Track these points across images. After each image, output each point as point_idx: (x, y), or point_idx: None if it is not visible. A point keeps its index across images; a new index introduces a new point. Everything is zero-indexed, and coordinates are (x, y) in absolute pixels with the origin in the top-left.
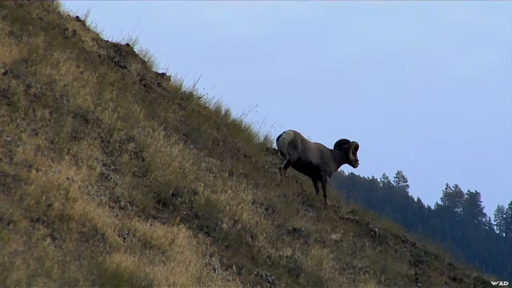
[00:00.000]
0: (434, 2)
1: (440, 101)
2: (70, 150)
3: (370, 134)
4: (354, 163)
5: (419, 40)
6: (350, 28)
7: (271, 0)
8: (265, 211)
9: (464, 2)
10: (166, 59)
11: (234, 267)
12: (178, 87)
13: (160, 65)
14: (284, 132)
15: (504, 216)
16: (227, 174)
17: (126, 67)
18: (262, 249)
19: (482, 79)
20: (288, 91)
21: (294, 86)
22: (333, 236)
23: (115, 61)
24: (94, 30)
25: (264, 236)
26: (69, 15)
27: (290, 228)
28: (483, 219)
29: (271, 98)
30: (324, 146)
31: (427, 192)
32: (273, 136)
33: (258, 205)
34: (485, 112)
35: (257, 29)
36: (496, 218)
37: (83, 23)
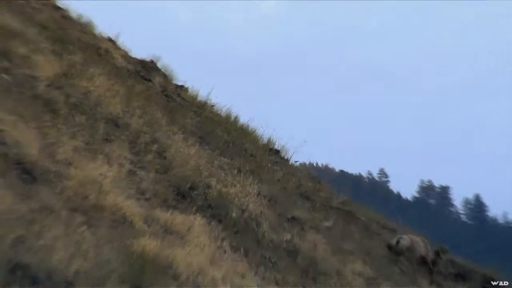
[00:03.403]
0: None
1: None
2: (103, 151)
3: (360, 134)
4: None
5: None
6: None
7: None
8: (268, 202)
9: None
10: (184, 72)
11: (242, 250)
12: (194, 97)
13: (180, 78)
14: (401, 238)
15: (470, 206)
16: (236, 171)
17: (150, 80)
18: (265, 234)
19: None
20: (290, 100)
21: (294, 96)
22: (326, 223)
23: (141, 75)
24: (123, 48)
25: (267, 223)
26: (102, 36)
27: (289, 216)
28: (452, 209)
29: (274, 106)
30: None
31: (405, 186)
32: (275, 139)
33: (262, 197)
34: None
35: (266, 48)
36: (463, 208)
37: (114, 42)
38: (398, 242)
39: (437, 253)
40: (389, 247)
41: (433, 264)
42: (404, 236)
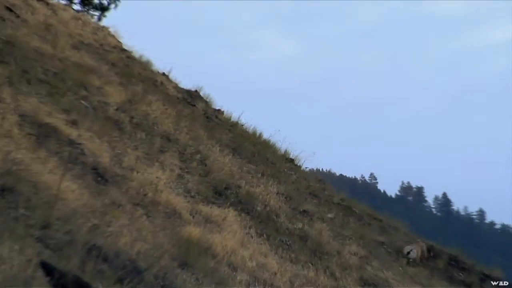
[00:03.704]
0: None
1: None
2: (159, 159)
3: (355, 147)
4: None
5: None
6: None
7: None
8: (284, 199)
9: None
10: (221, 99)
11: (264, 235)
12: (228, 118)
13: (217, 103)
14: (411, 250)
15: (439, 202)
16: (260, 175)
17: (195, 105)
18: (282, 223)
19: None
20: (304, 121)
21: (308, 118)
22: (329, 215)
23: (188, 101)
24: (174, 81)
25: (284, 215)
26: (158, 71)
27: (301, 209)
28: (426, 204)
29: (292, 126)
30: None
31: (390, 186)
32: (290, 150)
33: (280, 195)
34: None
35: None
36: (434, 204)
37: (167, 76)
38: (408, 253)
39: (428, 250)
40: (399, 251)
41: (427, 260)
42: (414, 250)
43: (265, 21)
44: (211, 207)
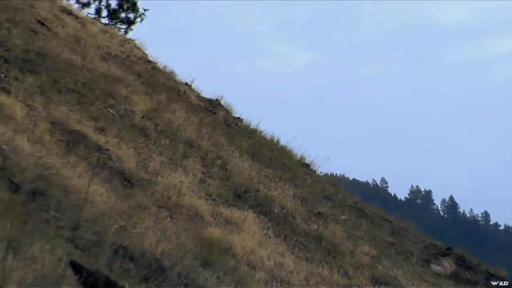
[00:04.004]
0: None
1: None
2: (182, 164)
3: (365, 151)
4: None
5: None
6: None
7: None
8: (300, 202)
9: None
10: (240, 107)
11: (281, 236)
12: (248, 125)
13: (237, 111)
14: (441, 270)
15: (446, 205)
16: (277, 179)
17: (215, 113)
18: (299, 225)
19: None
20: (318, 128)
21: (321, 125)
22: (342, 217)
23: (209, 110)
24: (196, 90)
25: (300, 217)
26: (181, 81)
27: (316, 212)
28: (433, 207)
29: (308, 132)
30: None
31: (400, 190)
32: (306, 156)
33: (297, 198)
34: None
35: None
36: (441, 206)
37: (189, 86)
38: (432, 270)
39: (457, 262)
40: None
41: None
42: (441, 270)
43: (280, 31)
44: (231, 210)
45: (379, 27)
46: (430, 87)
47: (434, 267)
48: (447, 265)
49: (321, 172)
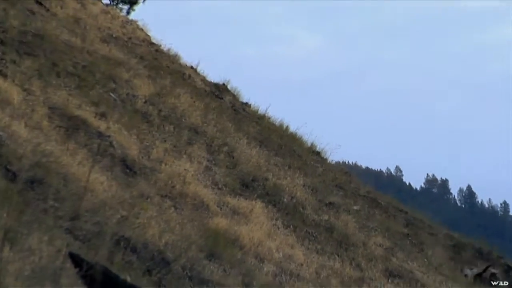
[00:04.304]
0: None
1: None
2: (186, 151)
3: (380, 136)
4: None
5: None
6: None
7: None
8: (311, 191)
9: None
10: (248, 92)
11: (291, 227)
12: (255, 111)
13: (245, 97)
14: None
15: (463, 195)
16: (286, 167)
17: (222, 98)
18: (309, 215)
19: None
20: (330, 113)
21: (332, 111)
22: (355, 207)
23: (215, 95)
24: (202, 74)
25: (311, 207)
26: (186, 65)
27: (327, 201)
28: (450, 196)
29: (319, 118)
30: None
31: (415, 179)
32: (317, 143)
33: (307, 187)
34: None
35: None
36: (458, 196)
37: (195, 70)
38: (466, 275)
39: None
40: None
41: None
42: (473, 270)
43: (291, 15)
44: (238, 199)
45: (402, 10)
46: (448, 74)
47: (467, 271)
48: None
49: (332, 160)
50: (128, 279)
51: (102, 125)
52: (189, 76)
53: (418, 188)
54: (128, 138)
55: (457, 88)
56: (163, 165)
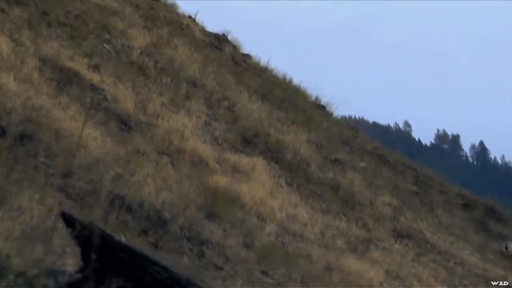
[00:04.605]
0: None
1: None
2: (184, 106)
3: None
4: None
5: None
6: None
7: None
8: (315, 147)
9: None
10: (250, 43)
11: (294, 185)
12: (257, 63)
13: (246, 48)
14: (509, 243)
15: (476, 151)
16: (290, 122)
17: (222, 50)
18: (313, 173)
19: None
20: (337, 66)
21: (340, 63)
22: (361, 164)
23: (215, 46)
24: (201, 24)
25: (315, 164)
26: (184, 14)
27: (333, 158)
28: (462, 153)
29: (324, 71)
30: None
31: (424, 134)
32: (321, 96)
33: (311, 143)
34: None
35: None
36: (470, 152)
37: (193, 20)
38: (507, 248)
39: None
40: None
41: None
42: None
43: None
44: (239, 156)
45: None
46: (464, 28)
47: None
48: None
49: (338, 114)
50: (123, 240)
51: (95, 78)
52: (187, 26)
53: (428, 144)
54: (123, 91)
55: (470, 41)
56: (160, 120)
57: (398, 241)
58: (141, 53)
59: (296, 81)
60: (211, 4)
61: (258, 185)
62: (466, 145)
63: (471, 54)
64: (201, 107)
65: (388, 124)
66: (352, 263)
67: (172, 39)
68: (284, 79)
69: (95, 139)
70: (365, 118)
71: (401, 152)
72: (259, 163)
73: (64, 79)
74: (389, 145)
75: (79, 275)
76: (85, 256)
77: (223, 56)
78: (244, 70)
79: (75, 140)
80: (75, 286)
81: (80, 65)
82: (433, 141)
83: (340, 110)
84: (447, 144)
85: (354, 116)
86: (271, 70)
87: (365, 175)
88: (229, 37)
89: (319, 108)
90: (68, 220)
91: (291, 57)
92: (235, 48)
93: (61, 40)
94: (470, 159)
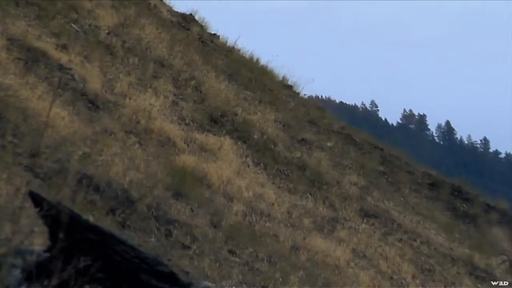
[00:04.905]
0: None
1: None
2: (152, 85)
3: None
4: None
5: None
6: None
7: None
8: (282, 127)
9: None
10: (216, 23)
11: (261, 165)
12: (224, 43)
13: (213, 28)
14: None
15: (442, 131)
16: (257, 102)
17: (189, 29)
18: (280, 152)
19: None
20: (304, 45)
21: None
22: (328, 144)
23: (182, 26)
24: (168, 4)
25: (282, 143)
26: None
27: (299, 138)
28: (428, 133)
29: (291, 51)
30: None
31: (391, 114)
32: (289, 76)
33: (278, 123)
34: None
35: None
36: (437, 132)
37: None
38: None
39: None
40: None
41: None
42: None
43: None
44: (206, 135)
45: None
46: (426, 4)
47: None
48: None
49: (305, 94)
50: (91, 219)
51: (63, 58)
52: (155, 6)
53: (395, 124)
54: (90, 71)
55: (435, 18)
56: (127, 99)
57: (365, 221)
58: (109, 33)
59: (263, 61)
60: None
61: (225, 164)
62: (432, 125)
63: (441, 34)
64: (168, 87)
65: (355, 104)
66: (319, 243)
67: (140, 19)
68: (252, 59)
69: (62, 118)
70: (332, 98)
71: (368, 132)
72: (226, 143)
73: (31, 59)
74: (356, 125)
75: (47, 254)
76: (53, 236)
77: (191, 36)
78: (212, 50)
79: (43, 119)
80: (43, 265)
81: (47, 45)
82: (399, 121)
83: (307, 90)
84: (413, 124)
85: (321, 96)
86: (238, 50)
87: (332, 155)
88: (196, 17)
89: (286, 88)
90: (36, 200)
91: (260, 36)
92: (202, 28)
93: (28, 20)
94: (436, 139)
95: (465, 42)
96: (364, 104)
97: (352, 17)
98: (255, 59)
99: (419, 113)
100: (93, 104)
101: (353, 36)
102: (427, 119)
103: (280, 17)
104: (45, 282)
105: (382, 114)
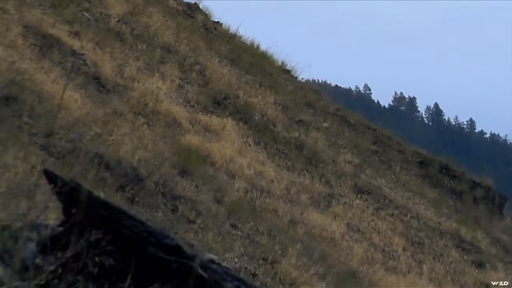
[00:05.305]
0: None
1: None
2: (159, 70)
3: (350, 51)
4: None
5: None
6: None
7: None
8: (281, 109)
9: None
10: (220, 11)
11: (262, 144)
12: (227, 30)
13: (216, 16)
14: None
15: (431, 112)
16: (257, 85)
17: (194, 17)
18: (279, 132)
19: None
20: (302, 32)
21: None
22: (324, 125)
23: (188, 14)
24: None
25: (281, 124)
26: None
27: (297, 119)
28: (418, 114)
29: (290, 37)
30: None
31: (383, 97)
32: (287, 61)
33: (277, 105)
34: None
35: None
36: (426, 113)
37: None
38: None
39: None
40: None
41: None
42: None
43: None
44: (210, 117)
45: None
46: None
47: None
48: None
49: (302, 78)
50: (102, 195)
51: (76, 44)
52: None
53: (387, 106)
54: (101, 56)
55: (434, 11)
56: (136, 83)
57: (359, 197)
58: (119, 20)
59: (263, 47)
60: None
61: (227, 144)
62: (422, 107)
63: (431, 22)
64: (174, 71)
65: (349, 87)
66: (316, 217)
67: (147, 7)
68: (252, 45)
69: (75, 101)
70: (328, 81)
71: (361, 113)
72: (229, 124)
73: (46, 45)
74: (350, 107)
75: (60, 228)
76: (66, 211)
77: (195, 24)
78: (215, 37)
79: (57, 101)
80: (57, 239)
81: (61, 32)
82: (391, 103)
83: (304, 74)
84: (404, 106)
85: (318, 80)
86: (240, 37)
87: (327, 135)
88: (200, 6)
89: (285, 72)
90: (51, 177)
91: (258, 23)
92: (206, 16)
93: (43, 8)
94: (425, 120)
95: (453, 32)
96: (358, 88)
97: (349, 7)
98: (255, 45)
99: (409, 96)
100: (104, 87)
101: (349, 24)
102: (417, 101)
103: (279, 6)
104: (59, 254)
105: (374, 97)
